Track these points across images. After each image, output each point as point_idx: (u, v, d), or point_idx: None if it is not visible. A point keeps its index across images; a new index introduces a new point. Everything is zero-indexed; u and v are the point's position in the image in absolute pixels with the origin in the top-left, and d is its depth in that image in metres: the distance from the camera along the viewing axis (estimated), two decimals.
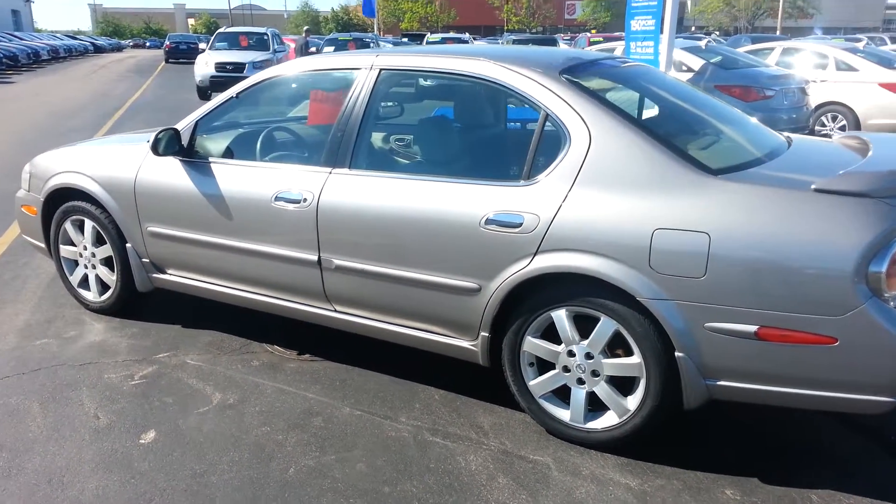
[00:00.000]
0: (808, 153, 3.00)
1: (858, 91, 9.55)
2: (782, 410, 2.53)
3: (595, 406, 2.70)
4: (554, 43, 23.14)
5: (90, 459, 2.65)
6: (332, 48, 17.57)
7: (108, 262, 3.83)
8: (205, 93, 15.98)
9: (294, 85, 3.66)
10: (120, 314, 3.93)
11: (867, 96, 9.47)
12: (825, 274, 2.21)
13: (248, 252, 3.27)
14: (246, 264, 3.31)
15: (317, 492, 2.48)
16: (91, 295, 3.96)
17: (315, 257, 3.08)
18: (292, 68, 3.42)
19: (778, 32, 38.93)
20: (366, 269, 2.97)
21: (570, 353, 2.66)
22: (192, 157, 3.43)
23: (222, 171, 3.31)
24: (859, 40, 16.75)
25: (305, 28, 19.03)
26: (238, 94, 3.42)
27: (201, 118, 3.45)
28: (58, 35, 53.05)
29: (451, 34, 26.87)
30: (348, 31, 42.50)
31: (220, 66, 15.65)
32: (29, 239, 4.18)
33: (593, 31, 39.29)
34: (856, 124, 9.48)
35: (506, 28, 56.44)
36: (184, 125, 3.45)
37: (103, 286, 3.92)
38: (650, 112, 3.07)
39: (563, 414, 2.74)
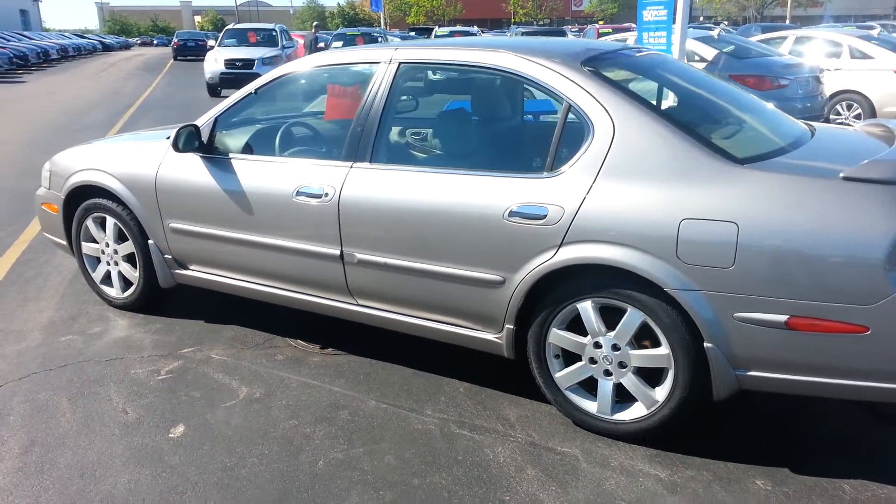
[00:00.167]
0: (833, 142, 2.98)
1: (874, 79, 9.47)
2: (812, 400, 2.53)
3: (622, 397, 2.70)
4: (563, 34, 23.04)
5: (121, 454, 2.68)
6: (340, 43, 17.57)
7: (130, 258, 3.85)
8: (215, 89, 16.04)
9: (313, 80, 3.67)
10: (143, 310, 3.96)
11: (882, 84, 9.39)
12: (856, 262, 2.20)
13: (269, 247, 3.28)
14: (268, 259, 3.32)
15: (347, 484, 2.50)
16: (114, 291, 3.99)
17: (337, 251, 3.09)
18: (311, 63, 3.42)
19: (787, 21, 38.64)
20: (388, 262, 2.98)
21: (597, 345, 2.66)
22: (212, 153, 3.44)
23: (243, 167, 3.32)
24: (872, 28, 16.59)
25: (315, 24, 19.02)
26: (257, 89, 3.43)
27: (221, 114, 3.46)
28: (66, 34, 53.28)
29: (458, 28, 26.76)
30: (354, 27, 42.43)
31: (230, 63, 15.68)
32: (50, 236, 4.21)
33: (601, 23, 39.10)
34: (871, 112, 9.40)
35: (512, 21, 56.24)
36: (203, 121, 3.47)
37: (126, 283, 3.94)
38: (672, 101, 3.06)
39: (590, 405, 2.74)
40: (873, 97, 9.44)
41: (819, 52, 10.15)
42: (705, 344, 2.43)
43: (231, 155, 3.40)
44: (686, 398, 2.53)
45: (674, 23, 7.69)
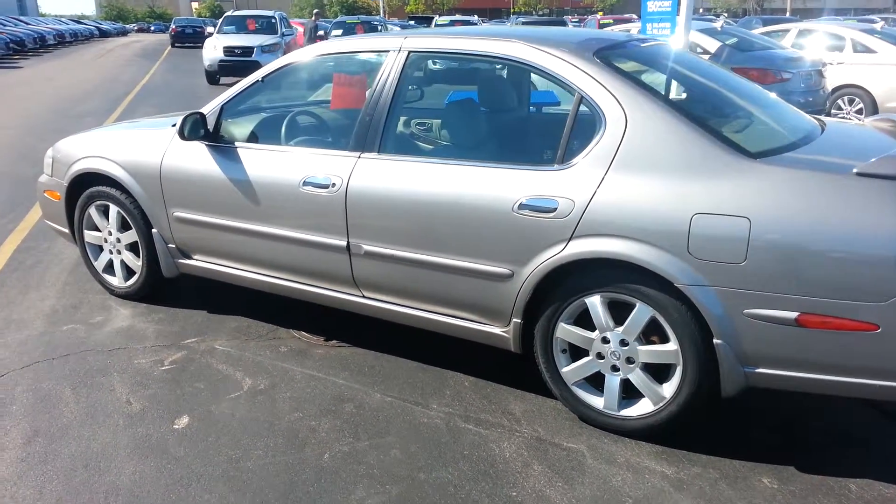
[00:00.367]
0: (844, 137, 2.96)
1: (876, 73, 9.44)
2: (819, 397, 2.52)
3: (629, 393, 2.69)
4: (563, 25, 22.94)
5: (125, 445, 2.66)
6: (340, 31, 17.47)
7: (133, 247, 3.83)
8: (213, 77, 15.95)
9: (321, 69, 3.63)
10: (145, 300, 3.94)
11: (885, 78, 9.36)
12: (867, 260, 2.19)
13: (275, 237, 3.26)
14: (273, 250, 3.30)
15: (353, 478, 2.49)
16: (116, 280, 3.96)
17: (344, 243, 3.07)
18: (319, 51, 3.38)
19: (787, 14, 38.56)
20: (395, 254, 2.96)
21: (605, 340, 2.64)
22: (218, 141, 3.41)
23: (249, 156, 3.30)
24: (874, 21, 16.54)
25: (315, 11, 18.92)
26: (264, 77, 3.40)
27: (227, 102, 3.42)
28: (63, 20, 52.90)
29: (458, 17, 26.62)
30: (353, 14, 42.20)
31: (229, 50, 15.60)
32: (52, 224, 4.18)
33: (601, 14, 38.93)
34: (873, 107, 9.38)
35: (512, 10, 56.01)
36: (209, 109, 3.43)
37: (128, 272, 3.92)
38: (683, 93, 3.03)
39: (597, 401, 2.73)
40: (876, 92, 9.41)
41: (821, 45, 10.11)
42: (714, 340, 2.42)
43: (237, 143, 3.37)
44: (694, 395, 2.52)
45: (678, 14, 7.66)
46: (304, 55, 3.40)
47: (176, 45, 33.88)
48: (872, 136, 2.94)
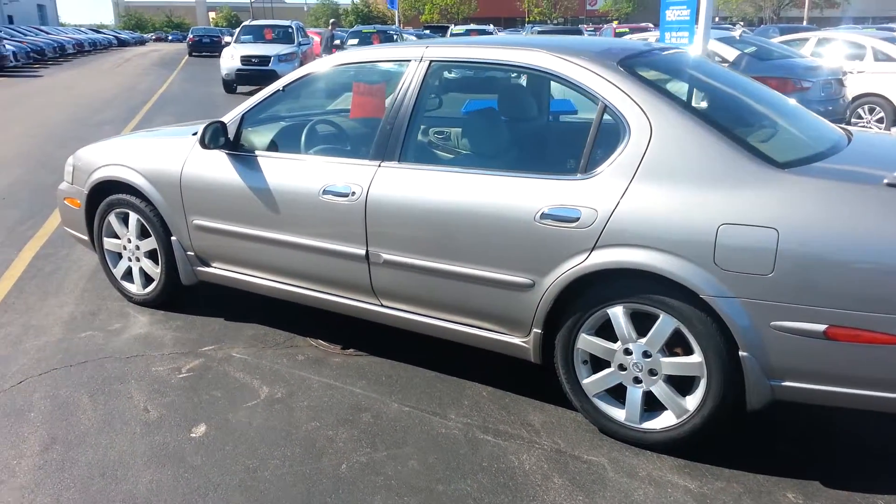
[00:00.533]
0: (872, 147, 2.92)
1: None
2: (846, 411, 2.46)
3: (651, 405, 2.65)
4: (579, 33, 22.93)
5: (143, 453, 2.65)
6: (356, 41, 17.55)
7: (152, 254, 3.83)
8: (230, 86, 16.06)
9: (342, 78, 3.63)
10: (163, 307, 3.94)
11: None
12: None
13: (293, 246, 3.25)
14: (291, 258, 3.29)
15: (370, 489, 2.46)
16: (135, 287, 3.97)
17: (363, 251, 3.05)
18: (340, 61, 3.37)
19: (805, 22, 38.32)
20: (415, 263, 2.94)
21: (627, 352, 2.60)
22: (238, 150, 3.41)
23: (268, 165, 3.29)
24: (892, 30, 16.39)
25: (332, 21, 18.98)
26: (285, 87, 3.40)
27: (248, 111, 3.42)
28: (82, 29, 53.60)
29: (474, 26, 26.68)
30: (368, 24, 42.44)
31: (246, 60, 15.71)
32: (71, 231, 4.20)
33: (616, 23, 38.90)
34: (894, 116, 9.28)
35: (527, 19, 56.08)
36: (230, 118, 3.44)
37: (147, 279, 3.92)
38: (707, 102, 3.00)
39: (618, 413, 2.69)
40: None
41: (841, 54, 10.03)
42: (740, 353, 2.37)
43: (257, 152, 3.37)
44: (718, 408, 2.48)
45: (696, 23, 7.62)
46: (325, 65, 3.40)
47: (193, 54, 34.21)
48: None
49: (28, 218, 5.82)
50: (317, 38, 19.14)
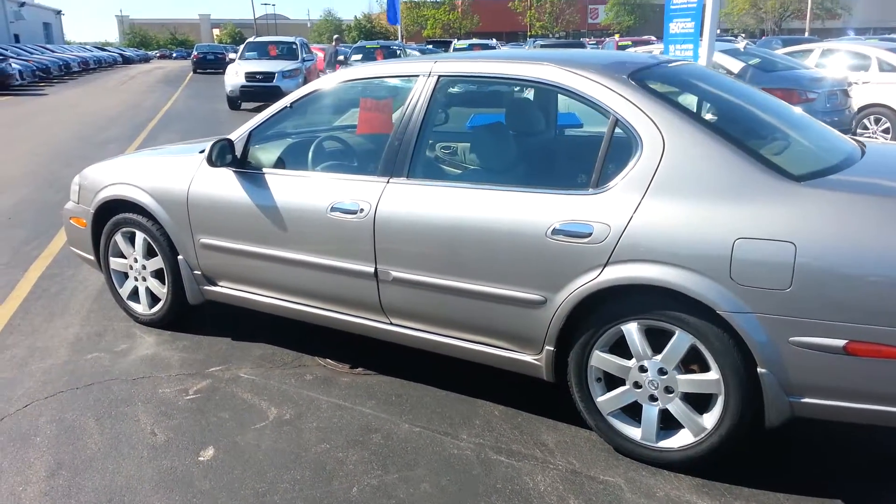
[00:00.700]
0: (886, 158, 2.88)
1: None
2: (868, 428, 2.41)
3: (667, 424, 2.60)
4: (582, 47, 23.00)
5: (150, 478, 2.60)
6: (360, 56, 17.61)
7: (158, 274, 3.80)
8: (235, 103, 16.10)
9: (350, 94, 3.61)
10: (170, 327, 3.90)
11: None
12: None
13: (302, 264, 3.21)
14: (300, 276, 3.26)
15: None
16: (141, 307, 3.94)
17: (371, 269, 3.02)
18: (347, 77, 3.36)
19: (806, 34, 38.39)
20: (425, 280, 2.90)
21: (642, 369, 2.56)
22: (246, 167, 3.39)
23: (276, 182, 3.27)
24: (894, 40, 16.38)
25: (335, 36, 19.10)
26: (292, 103, 3.38)
27: (255, 128, 3.40)
28: (87, 47, 54.07)
29: (475, 40, 26.78)
30: (371, 39, 42.62)
31: (250, 76, 15.74)
32: (77, 251, 4.17)
33: (618, 36, 39.02)
34: None
35: (528, 33, 56.31)
36: (237, 135, 3.42)
37: (153, 299, 3.89)
38: (719, 115, 2.96)
39: (634, 432, 2.64)
40: None
41: (846, 64, 10.01)
42: (759, 369, 2.33)
43: (264, 170, 3.34)
44: (736, 426, 2.43)
45: (701, 36, 7.62)
46: (333, 81, 3.38)
47: (198, 71, 34.43)
48: None
49: (34, 238, 5.81)
50: (320, 54, 19.23)
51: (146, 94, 22.30)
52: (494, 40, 26.96)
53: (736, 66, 8.62)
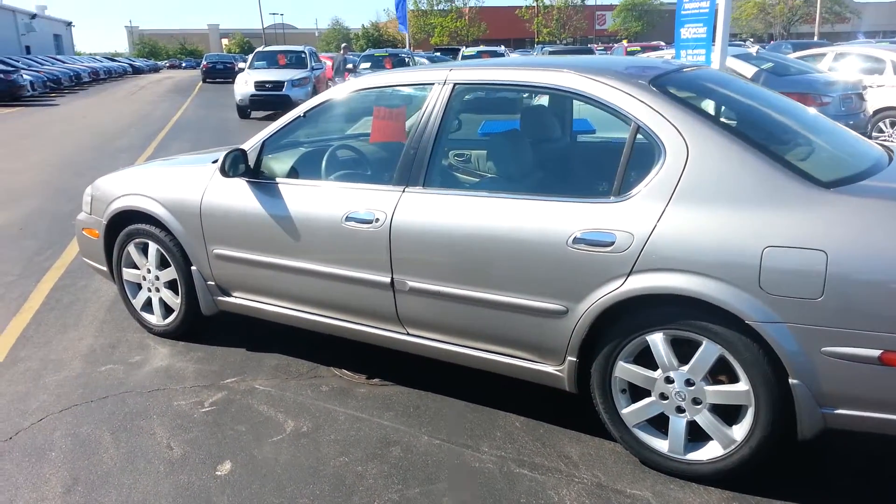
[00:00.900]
0: None
1: None
2: None
3: (695, 436, 2.53)
4: (590, 53, 22.96)
5: (167, 493, 2.56)
6: (368, 65, 17.62)
7: (172, 285, 3.77)
8: (245, 111, 16.15)
9: (364, 103, 3.57)
10: (184, 338, 3.86)
11: None
12: None
13: (316, 274, 3.17)
14: (314, 287, 3.22)
15: None
16: (154, 318, 3.90)
17: (388, 279, 2.97)
18: (361, 85, 3.31)
19: (815, 38, 38.22)
20: (442, 291, 2.85)
21: (668, 380, 2.50)
22: (259, 177, 3.36)
23: (290, 192, 3.23)
24: None
25: (343, 45, 19.10)
26: (306, 113, 3.34)
27: (268, 138, 3.37)
28: (97, 57, 54.42)
29: (482, 47, 26.77)
30: (379, 48, 42.68)
31: (260, 85, 15.78)
32: (90, 262, 4.15)
33: (626, 41, 38.97)
34: None
35: (536, 40, 56.35)
36: (250, 145, 3.38)
37: (167, 309, 3.86)
38: (741, 120, 2.91)
39: (661, 444, 2.57)
40: None
41: (860, 68, 9.92)
42: (790, 380, 2.26)
43: (278, 179, 3.31)
44: (767, 438, 2.36)
45: (713, 41, 7.55)
46: (346, 90, 3.34)
47: (207, 80, 34.58)
48: None
49: (46, 248, 5.79)
50: (329, 63, 19.26)
51: (156, 104, 22.40)
52: (503, 47, 26.94)
53: (749, 70, 8.55)
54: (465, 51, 22.32)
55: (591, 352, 2.63)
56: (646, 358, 2.54)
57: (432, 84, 3.04)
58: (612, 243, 2.45)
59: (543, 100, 3.56)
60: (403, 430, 2.94)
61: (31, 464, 2.76)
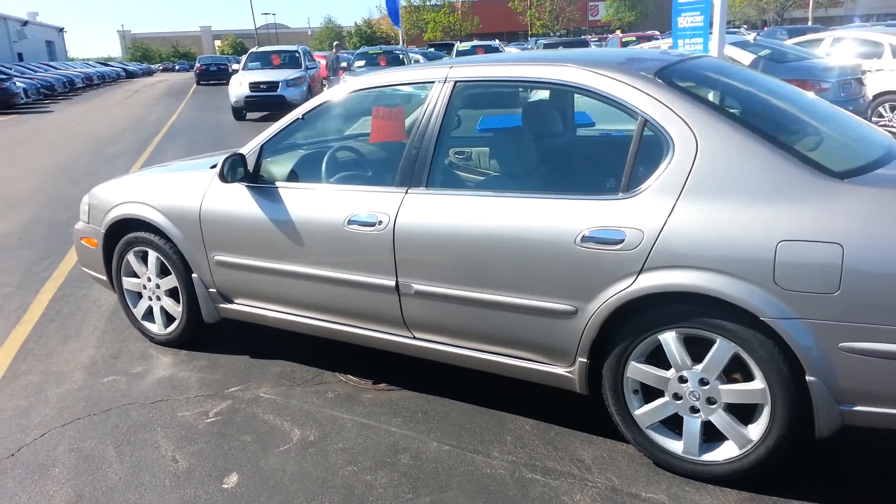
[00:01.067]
0: None
1: None
2: None
3: (709, 436, 2.48)
4: (585, 45, 22.87)
5: None
6: (362, 62, 17.51)
7: (173, 293, 3.72)
8: (240, 113, 16.06)
9: (363, 103, 3.51)
10: (186, 346, 3.81)
11: None
12: None
13: (319, 279, 3.12)
14: (318, 292, 3.16)
15: None
16: (156, 327, 3.85)
17: (392, 282, 2.92)
18: (360, 85, 3.25)
19: (810, 23, 38.10)
20: (448, 293, 2.80)
21: (682, 379, 2.45)
22: (259, 181, 3.30)
23: (290, 196, 3.17)
24: None
25: (335, 43, 18.98)
26: (304, 115, 3.28)
27: (267, 142, 3.31)
28: (90, 62, 54.26)
29: (476, 42, 26.65)
30: (372, 45, 42.52)
31: (255, 86, 15.68)
32: (89, 271, 4.09)
33: (619, 31, 38.83)
34: None
35: (529, 33, 56.21)
36: (249, 149, 3.32)
37: (168, 318, 3.80)
38: (750, 111, 2.85)
39: (675, 445, 2.52)
40: None
41: (859, 53, 9.85)
42: (807, 377, 2.21)
43: (278, 184, 3.25)
44: (784, 436, 2.31)
45: (710, 28, 7.50)
46: (344, 91, 3.28)
47: (201, 82, 34.44)
48: None
49: (44, 258, 5.74)
50: (323, 62, 19.16)
51: (151, 108, 22.30)
52: (498, 41, 26.82)
53: (747, 58, 8.48)
54: (459, 46, 22.23)
55: (602, 352, 2.58)
56: (658, 357, 2.49)
57: (433, 82, 2.98)
58: (622, 241, 2.40)
59: (544, 94, 3.49)
60: (412, 437, 2.90)
61: (35, 481, 2.71)
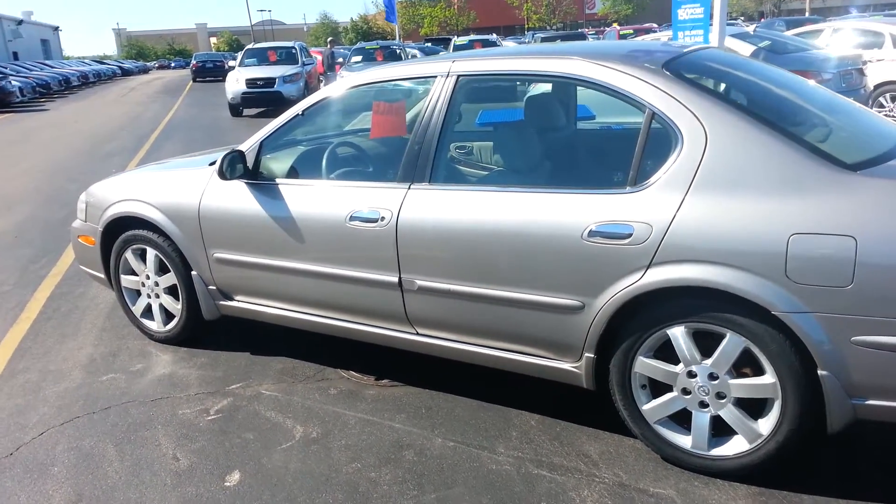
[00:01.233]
0: None
1: None
2: None
3: (718, 430, 2.45)
4: (582, 38, 22.80)
5: None
6: (360, 58, 17.45)
7: (172, 290, 3.67)
8: (237, 109, 15.99)
9: (364, 98, 3.47)
10: (186, 343, 3.77)
11: None
12: None
13: (321, 275, 3.08)
14: (319, 288, 3.12)
15: None
16: (155, 325, 3.81)
17: (395, 279, 2.88)
18: (362, 80, 3.21)
19: (807, 13, 38.08)
20: (452, 289, 2.76)
21: (690, 374, 2.41)
22: (258, 178, 3.25)
23: (291, 193, 3.13)
24: None
25: (329, 39, 18.92)
26: (304, 111, 3.23)
27: (266, 138, 3.26)
28: (86, 61, 54.08)
29: (473, 36, 26.55)
30: (368, 40, 42.42)
31: (251, 83, 15.62)
32: (87, 270, 4.05)
33: (616, 24, 38.77)
34: None
35: (526, 26, 56.08)
36: (248, 146, 3.28)
37: (168, 315, 3.76)
38: (759, 102, 2.80)
39: (684, 440, 2.49)
40: None
41: (859, 43, 9.81)
42: (819, 371, 2.18)
43: (278, 180, 3.21)
44: (795, 431, 2.28)
45: (710, 20, 7.46)
46: (344, 86, 3.23)
47: (197, 79, 34.30)
48: None
49: (41, 256, 5.69)
50: (319, 58, 19.09)
51: (147, 106, 22.20)
52: (495, 35, 26.72)
53: (747, 49, 8.45)
54: (456, 40, 22.14)
55: (609, 347, 2.54)
56: (666, 352, 2.45)
57: (435, 77, 2.93)
58: (630, 235, 2.36)
59: (546, 87, 3.45)
60: (416, 433, 2.86)
61: (34, 480, 2.67)
